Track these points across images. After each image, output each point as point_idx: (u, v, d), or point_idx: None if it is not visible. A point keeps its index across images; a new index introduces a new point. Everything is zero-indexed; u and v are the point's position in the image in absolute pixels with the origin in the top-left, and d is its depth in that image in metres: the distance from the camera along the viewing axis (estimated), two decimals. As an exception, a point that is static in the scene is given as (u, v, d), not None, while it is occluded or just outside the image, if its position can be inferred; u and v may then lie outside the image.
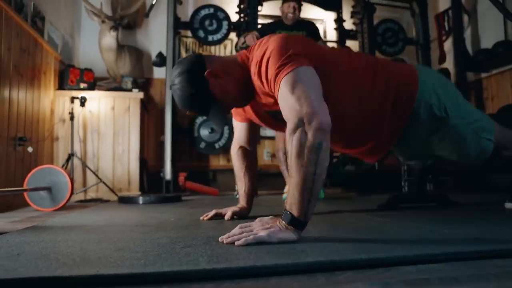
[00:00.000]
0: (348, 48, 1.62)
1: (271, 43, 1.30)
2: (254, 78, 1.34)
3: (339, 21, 4.79)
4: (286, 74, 1.19)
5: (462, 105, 1.52)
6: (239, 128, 1.72)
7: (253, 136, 1.74)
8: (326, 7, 4.78)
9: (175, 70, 1.39)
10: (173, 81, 1.38)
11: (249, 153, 1.75)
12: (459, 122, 1.47)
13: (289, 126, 1.11)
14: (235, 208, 1.70)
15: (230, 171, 4.11)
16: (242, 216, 1.70)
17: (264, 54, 1.28)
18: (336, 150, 2.01)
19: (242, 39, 3.44)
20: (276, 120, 1.49)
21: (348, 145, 1.61)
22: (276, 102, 1.28)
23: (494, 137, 1.53)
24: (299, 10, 3.49)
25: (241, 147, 1.75)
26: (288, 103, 1.15)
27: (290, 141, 1.09)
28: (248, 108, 1.56)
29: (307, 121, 1.08)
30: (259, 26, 4.00)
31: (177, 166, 3.94)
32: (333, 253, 0.88)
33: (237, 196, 3.36)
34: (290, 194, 1.08)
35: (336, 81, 1.37)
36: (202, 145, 4.37)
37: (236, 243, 1.01)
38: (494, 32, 4.15)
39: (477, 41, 4.42)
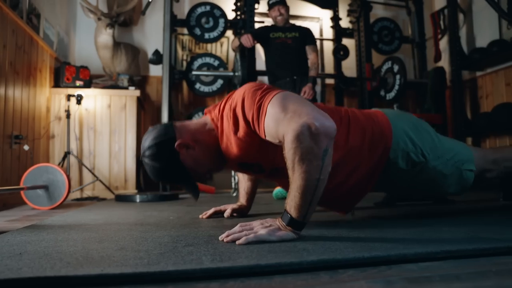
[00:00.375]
0: (320, 103, 1.57)
1: (240, 89, 1.28)
2: (231, 126, 1.29)
3: (335, 19, 4.81)
4: (270, 100, 1.16)
5: (438, 144, 1.49)
6: None
7: None
8: (323, 5, 4.79)
9: (145, 140, 1.35)
10: (143, 153, 1.34)
11: None
12: (438, 162, 1.45)
13: (289, 135, 1.05)
14: (234, 206, 1.70)
15: (227, 169, 4.12)
16: (242, 214, 1.71)
17: (236, 104, 1.25)
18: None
19: (236, 40, 3.45)
20: (245, 170, 1.50)
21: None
22: (246, 150, 1.27)
23: (475, 165, 1.52)
24: (287, 11, 3.52)
25: None
26: (283, 120, 1.10)
27: (293, 146, 1.04)
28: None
29: (312, 126, 1.03)
30: (256, 25, 4.00)
31: (174, 164, 3.93)
32: (335, 251, 0.89)
33: (234, 194, 3.37)
34: (291, 196, 1.07)
35: None
36: (199, 143, 4.34)
37: (237, 242, 1.02)
38: (489, 31, 4.18)
39: (472, 40, 4.45)
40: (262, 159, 1.38)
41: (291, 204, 1.07)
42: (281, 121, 1.10)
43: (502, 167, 1.58)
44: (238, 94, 1.27)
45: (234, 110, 1.26)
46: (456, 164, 1.48)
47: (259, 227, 1.09)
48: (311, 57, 3.55)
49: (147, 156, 1.33)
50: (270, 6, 3.53)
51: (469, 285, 0.68)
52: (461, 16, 4.49)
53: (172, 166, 1.33)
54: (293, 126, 1.05)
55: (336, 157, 1.23)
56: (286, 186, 1.16)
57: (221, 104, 1.39)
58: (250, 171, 1.49)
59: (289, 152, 1.05)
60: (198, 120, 1.45)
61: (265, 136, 1.18)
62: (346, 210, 1.55)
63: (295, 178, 1.05)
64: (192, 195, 1.40)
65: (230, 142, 1.31)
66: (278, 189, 2.77)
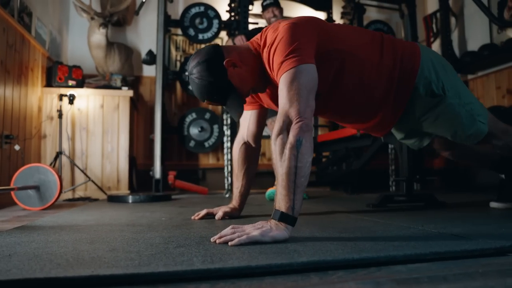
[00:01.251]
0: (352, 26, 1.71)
1: (281, 30, 1.34)
2: (266, 64, 1.40)
3: (329, 21, 4.82)
4: (286, 71, 1.25)
5: (459, 86, 1.58)
6: (247, 118, 1.72)
7: (260, 129, 1.74)
8: (316, 7, 4.81)
9: (193, 60, 1.41)
10: (191, 71, 1.40)
11: (252, 152, 1.75)
12: (455, 102, 1.52)
13: (276, 128, 1.21)
14: (226, 208, 1.70)
15: (220, 170, 4.14)
16: (233, 216, 1.71)
17: (273, 42, 1.33)
18: (344, 126, 2.09)
19: (230, 42, 3.46)
20: None
21: (357, 120, 1.68)
22: None
23: (487, 123, 1.59)
24: (281, 13, 3.53)
25: (244, 143, 1.73)
26: (281, 102, 1.23)
27: (275, 144, 1.20)
28: (263, 94, 1.59)
29: (290, 123, 1.18)
30: (250, 26, 4.01)
31: (167, 165, 3.93)
32: (325, 253, 0.90)
33: (227, 196, 3.37)
34: (277, 192, 1.14)
35: (345, 58, 1.43)
36: (192, 143, 4.36)
37: (229, 243, 1.02)
38: (480, 35, 4.23)
39: (464, 44, 4.49)
40: None
41: (278, 198, 1.13)
42: (281, 98, 1.24)
43: (509, 140, 1.67)
44: (276, 38, 1.32)
45: (270, 48, 1.35)
46: (471, 112, 1.56)
47: (251, 229, 1.10)
48: None
49: (195, 73, 1.39)
50: (264, 7, 3.54)
51: (456, 286, 0.69)
52: (453, 20, 4.54)
53: (220, 82, 1.39)
54: (279, 118, 1.21)
55: (372, 72, 1.45)
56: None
57: (262, 34, 1.46)
58: None
59: (272, 147, 1.23)
60: (242, 44, 1.53)
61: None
62: (384, 131, 1.71)
63: (278, 171, 1.15)
64: (236, 111, 1.47)
65: (269, 73, 1.41)
66: (271, 190, 2.78)
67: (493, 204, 1.98)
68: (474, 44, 4.27)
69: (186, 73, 1.49)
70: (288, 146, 1.14)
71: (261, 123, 1.73)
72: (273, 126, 1.61)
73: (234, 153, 1.77)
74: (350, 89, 1.48)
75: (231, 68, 1.39)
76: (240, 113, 1.49)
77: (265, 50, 1.39)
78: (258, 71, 1.45)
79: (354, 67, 1.45)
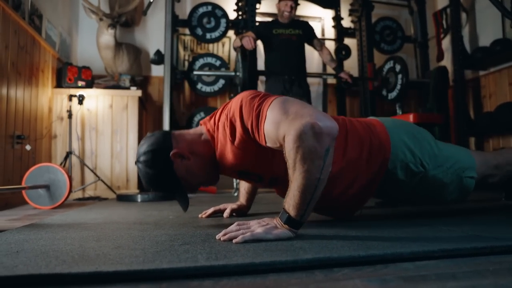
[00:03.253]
0: None
1: (237, 98, 1.26)
2: (226, 135, 1.28)
3: (337, 19, 4.79)
4: (269, 105, 1.15)
5: (437, 152, 1.47)
6: None
7: None
8: (324, 4, 4.78)
9: (142, 145, 1.35)
10: (138, 158, 1.33)
11: None
12: (438, 171, 1.43)
13: (291, 135, 1.04)
14: (233, 205, 1.70)
15: (229, 169, 4.10)
16: (241, 214, 1.70)
17: (234, 106, 1.24)
18: None
19: (238, 40, 3.45)
20: (244, 178, 1.49)
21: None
22: (243, 159, 1.28)
23: (477, 171, 1.49)
24: (295, 9, 3.50)
25: None
26: (284, 122, 1.09)
27: (295, 146, 1.03)
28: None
29: (315, 126, 1.02)
30: (257, 24, 4.00)
31: (176, 164, 3.92)
32: (331, 250, 0.88)
33: (235, 194, 3.37)
34: (290, 195, 1.07)
35: None
36: (201, 143, 4.34)
37: (234, 240, 1.02)
38: (492, 30, 4.16)
39: (475, 39, 4.43)
40: (260, 168, 1.37)
41: (290, 203, 1.06)
42: (282, 123, 1.09)
43: (504, 171, 1.57)
44: (235, 102, 1.25)
45: (231, 119, 1.24)
46: (456, 171, 1.46)
47: (256, 226, 1.09)
48: (325, 50, 3.59)
49: (141, 161, 1.32)
50: None
51: (465, 284, 0.67)
52: (463, 15, 4.48)
53: (165, 174, 1.32)
54: (295, 126, 1.04)
55: (334, 169, 1.22)
56: (284, 194, 1.16)
57: (216, 114, 1.39)
58: (249, 179, 1.48)
59: (290, 151, 1.04)
60: (195, 129, 1.44)
61: (265, 142, 1.16)
62: (345, 217, 1.54)
63: (296, 177, 1.04)
64: (181, 206, 1.40)
65: (227, 151, 1.31)
66: None
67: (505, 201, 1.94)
68: (485, 39, 4.20)
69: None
70: (313, 155, 1.02)
71: None
72: None
73: None
74: None
75: (178, 160, 1.30)
76: (186, 208, 1.39)
77: (223, 123, 1.28)
78: (210, 160, 1.36)
79: None
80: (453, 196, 1.50)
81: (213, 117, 1.40)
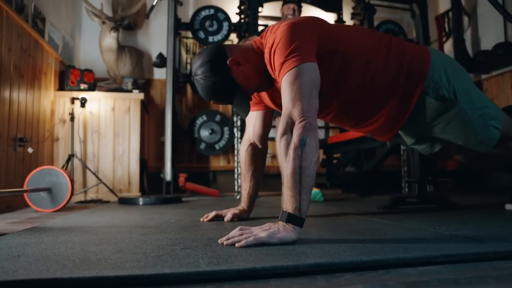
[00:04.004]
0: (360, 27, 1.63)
1: (280, 31, 1.32)
2: (268, 65, 1.39)
3: (339, 22, 4.80)
4: (288, 71, 1.24)
5: (472, 90, 1.52)
6: (253, 119, 1.70)
7: (266, 130, 1.72)
8: (326, 8, 4.79)
9: (197, 61, 1.40)
10: (195, 72, 1.40)
11: (259, 153, 1.73)
12: (467, 107, 1.47)
13: (279, 129, 1.20)
14: (235, 210, 1.69)
15: (230, 172, 4.13)
16: (242, 218, 1.70)
17: (273, 43, 1.32)
18: (347, 129, 2.06)
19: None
20: None
21: (360, 122, 1.61)
22: None
23: (502, 127, 1.53)
24: (299, 12, 3.51)
25: (251, 144, 1.72)
26: (284, 102, 1.22)
27: (279, 145, 1.19)
28: (265, 94, 1.59)
29: (293, 123, 1.17)
30: (260, 29, 4.01)
31: (178, 167, 3.94)
32: (333, 254, 0.88)
33: (238, 197, 3.37)
34: (284, 193, 1.12)
35: (348, 58, 1.40)
36: (202, 146, 4.37)
37: (236, 244, 1.01)
38: (494, 33, 4.15)
39: (477, 43, 4.42)
40: None
41: (285, 199, 1.12)
42: (284, 98, 1.22)
43: None
44: (276, 38, 1.31)
45: (270, 49, 1.33)
46: (484, 116, 1.50)
47: (258, 231, 1.09)
48: None
49: (199, 74, 1.38)
50: (285, 1, 3.51)
51: (467, 290, 0.67)
52: (465, 19, 4.47)
53: (224, 81, 1.39)
54: (283, 119, 1.20)
55: (376, 73, 1.42)
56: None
57: (264, 34, 1.45)
58: None
59: (277, 148, 1.21)
60: (245, 43, 1.51)
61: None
62: (388, 135, 1.64)
63: (283, 172, 1.14)
64: (242, 110, 1.47)
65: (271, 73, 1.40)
66: None
67: (508, 206, 1.94)
68: (488, 43, 4.20)
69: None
70: (292, 146, 1.13)
71: (267, 124, 1.72)
72: None
73: (241, 155, 1.76)
74: (352, 90, 1.44)
75: (235, 66, 1.38)
76: (246, 112, 1.48)
77: (266, 51, 1.38)
78: (262, 69, 1.43)
79: (356, 68, 1.42)
80: (478, 138, 1.51)
81: (261, 37, 1.47)
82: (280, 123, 1.21)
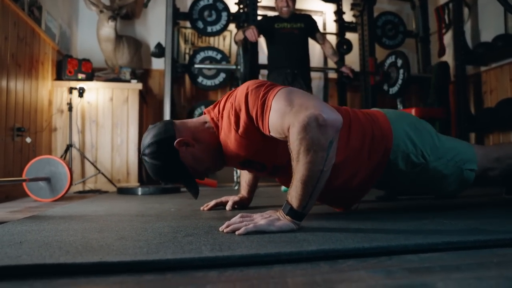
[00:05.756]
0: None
1: (242, 86, 1.26)
2: (230, 124, 1.28)
3: (338, 13, 4.78)
4: (275, 94, 1.16)
5: (438, 144, 1.47)
6: None
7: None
8: (326, -1, 4.76)
9: (145, 138, 1.34)
10: (143, 151, 1.33)
11: None
12: (439, 163, 1.44)
13: (295, 127, 1.04)
14: (235, 198, 1.70)
15: (229, 163, 4.10)
16: (242, 206, 1.71)
17: (243, 96, 1.23)
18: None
19: (240, 33, 3.43)
20: (247, 168, 1.49)
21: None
22: (248, 147, 1.28)
23: (477, 164, 1.50)
24: (293, 3, 3.48)
25: None
26: (289, 113, 1.09)
27: (299, 137, 1.03)
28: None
29: (319, 118, 1.03)
30: (259, 18, 3.98)
31: (176, 158, 3.92)
32: (335, 241, 0.88)
33: (236, 188, 3.37)
34: (293, 186, 1.07)
35: None
36: (201, 136, 4.34)
37: (237, 232, 1.02)
38: (494, 25, 4.14)
39: (477, 35, 4.41)
40: (264, 157, 1.37)
41: (293, 194, 1.07)
42: (286, 114, 1.10)
43: (505, 165, 1.56)
44: (241, 90, 1.25)
45: (236, 107, 1.24)
46: (457, 164, 1.47)
47: (259, 218, 1.09)
48: (327, 44, 3.59)
49: (147, 154, 1.32)
50: None
51: (469, 275, 0.67)
52: (466, 10, 4.45)
53: (172, 164, 1.31)
54: (300, 117, 1.05)
55: (338, 159, 1.21)
56: (287, 183, 1.15)
57: (220, 102, 1.39)
58: (252, 168, 1.48)
59: (294, 142, 1.05)
60: (197, 118, 1.44)
61: (269, 131, 1.17)
62: (346, 208, 1.56)
63: (299, 168, 1.05)
64: (192, 194, 1.40)
65: (231, 140, 1.30)
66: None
67: (507, 196, 1.95)
68: (488, 35, 4.19)
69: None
70: (317, 146, 1.02)
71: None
72: None
73: None
74: None
75: (183, 148, 1.30)
76: (196, 195, 1.39)
77: (227, 111, 1.28)
78: (215, 147, 1.36)
79: None
80: (452, 187, 1.51)
81: (217, 106, 1.40)
82: (294, 122, 1.06)
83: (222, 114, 1.34)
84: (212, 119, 1.39)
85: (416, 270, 0.72)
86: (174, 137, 1.30)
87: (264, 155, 1.35)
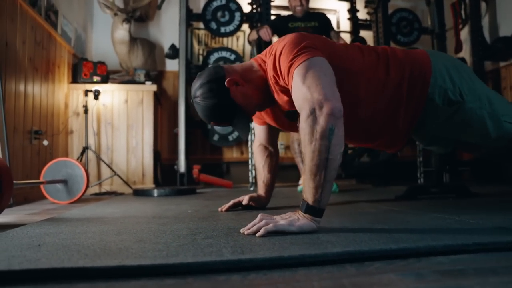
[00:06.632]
0: (357, 43, 1.52)
1: (284, 40, 1.31)
2: (271, 76, 1.34)
3: (352, 11, 4.71)
4: (298, 65, 1.19)
5: (478, 87, 1.46)
6: (259, 129, 1.75)
7: (274, 137, 1.77)
8: (340, -4, 4.71)
9: (195, 83, 1.40)
10: (195, 93, 1.38)
11: (271, 152, 1.76)
12: (476, 105, 1.41)
13: (302, 115, 1.10)
14: (253, 194, 1.71)
15: (244, 163, 4.12)
16: (260, 204, 1.70)
17: (278, 49, 1.29)
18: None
19: (254, 33, 3.40)
20: (292, 122, 1.51)
21: (366, 138, 1.57)
22: (291, 101, 1.29)
23: None
24: (307, 1, 3.44)
25: (261, 144, 1.76)
26: (300, 93, 1.15)
27: (303, 129, 1.09)
28: (266, 112, 1.57)
29: (318, 108, 1.07)
30: (272, 18, 3.95)
31: (191, 159, 3.93)
32: (359, 243, 0.85)
33: (251, 189, 3.35)
34: (305, 182, 1.08)
35: (349, 76, 1.34)
36: (216, 137, 4.35)
37: (257, 234, 1.00)
38: (514, 19, 4.03)
39: (495, 29, 4.30)
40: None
41: (306, 190, 1.07)
42: (299, 91, 1.16)
43: None
44: (280, 45, 1.28)
45: (273, 67, 1.30)
46: (494, 112, 1.43)
47: (278, 218, 1.08)
48: (341, 42, 3.53)
49: (198, 95, 1.37)
50: None
51: (508, 279, 0.64)
52: (483, 5, 4.35)
53: (224, 102, 1.37)
54: (305, 105, 1.10)
55: (378, 89, 1.36)
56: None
57: (268, 50, 1.42)
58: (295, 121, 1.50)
59: (300, 132, 1.10)
60: (245, 63, 1.50)
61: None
62: (397, 147, 1.60)
63: (306, 160, 1.07)
64: (242, 132, 1.45)
65: (276, 90, 1.36)
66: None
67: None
68: (506, 29, 4.08)
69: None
70: (318, 135, 1.05)
71: (273, 133, 1.75)
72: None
73: (254, 153, 1.79)
74: (354, 108, 1.37)
75: (234, 87, 1.36)
76: (247, 133, 1.44)
77: (270, 59, 1.33)
78: (263, 87, 1.40)
79: (358, 85, 1.36)
80: (494, 135, 1.44)
81: (265, 54, 1.43)
82: (302, 109, 1.12)
83: (267, 64, 1.37)
84: (260, 65, 1.43)
85: (448, 273, 0.68)
86: (224, 77, 1.36)
87: None
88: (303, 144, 1.09)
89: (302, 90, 1.14)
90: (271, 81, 1.36)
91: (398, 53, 1.45)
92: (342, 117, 1.09)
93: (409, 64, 1.41)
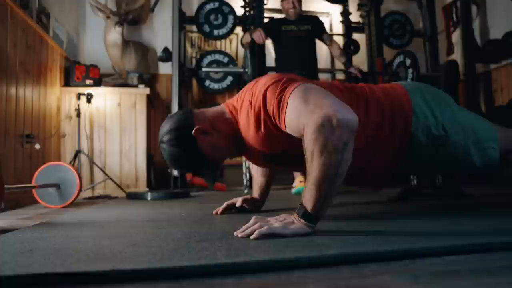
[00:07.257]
0: (336, 81, 1.50)
1: (261, 82, 1.27)
2: (250, 118, 1.27)
3: (345, 14, 4.75)
4: (292, 92, 1.14)
5: (459, 116, 1.44)
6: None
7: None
8: (332, 0, 4.73)
9: (164, 126, 1.37)
10: (161, 138, 1.35)
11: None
12: (460, 137, 1.40)
13: (312, 125, 1.02)
14: (246, 196, 1.69)
15: (238, 166, 4.11)
16: (254, 207, 1.69)
17: (258, 92, 1.24)
18: None
19: (247, 36, 3.41)
20: (270, 163, 1.50)
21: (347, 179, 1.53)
22: (269, 144, 1.27)
23: (498, 143, 1.45)
24: (300, 4, 3.45)
25: None
26: (304, 112, 1.07)
27: (313, 138, 1.01)
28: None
29: (333, 118, 1.00)
30: (265, 21, 3.96)
31: (184, 162, 3.90)
32: (355, 245, 0.85)
33: (245, 191, 3.34)
34: (307, 189, 1.04)
35: None
36: (209, 140, 4.33)
37: (251, 237, 0.99)
38: (504, 22, 4.08)
39: (486, 32, 4.35)
40: (286, 147, 1.34)
41: (307, 197, 1.04)
42: (302, 113, 1.08)
43: None
44: (259, 88, 1.25)
45: (255, 107, 1.24)
46: (478, 139, 1.43)
47: (273, 221, 1.07)
48: (334, 45, 3.54)
49: (165, 141, 1.34)
50: None
51: (503, 280, 0.64)
52: (474, 8, 4.40)
53: (190, 151, 1.33)
54: (314, 118, 1.02)
55: (360, 138, 1.21)
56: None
57: (239, 96, 1.39)
58: (276, 163, 1.47)
59: (308, 143, 1.03)
60: (215, 108, 1.45)
61: (285, 128, 1.16)
62: (378, 188, 1.57)
63: (313, 170, 1.02)
64: (208, 181, 1.41)
65: (252, 137, 1.31)
66: (298, 188, 2.72)
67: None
68: (497, 32, 4.13)
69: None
70: (331, 147, 0.99)
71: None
72: None
73: (250, 164, 1.76)
74: None
75: (201, 136, 1.32)
76: (213, 183, 1.44)
77: (246, 109, 1.28)
78: (233, 136, 1.37)
79: None
80: (479, 161, 1.44)
81: (237, 99, 1.40)
82: (310, 124, 1.03)
83: (241, 110, 1.34)
84: (231, 111, 1.39)
85: (443, 274, 0.68)
86: (193, 125, 1.32)
87: (286, 146, 1.32)
88: (311, 153, 1.02)
89: (307, 108, 1.07)
90: (244, 127, 1.31)
91: (377, 93, 1.42)
92: (355, 131, 1.04)
93: (388, 105, 1.39)
